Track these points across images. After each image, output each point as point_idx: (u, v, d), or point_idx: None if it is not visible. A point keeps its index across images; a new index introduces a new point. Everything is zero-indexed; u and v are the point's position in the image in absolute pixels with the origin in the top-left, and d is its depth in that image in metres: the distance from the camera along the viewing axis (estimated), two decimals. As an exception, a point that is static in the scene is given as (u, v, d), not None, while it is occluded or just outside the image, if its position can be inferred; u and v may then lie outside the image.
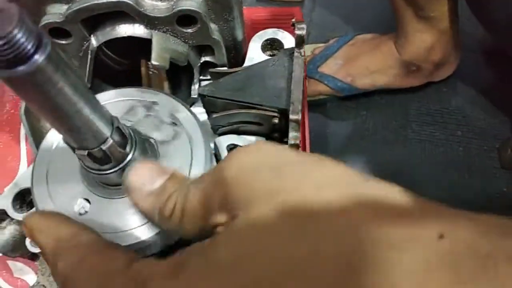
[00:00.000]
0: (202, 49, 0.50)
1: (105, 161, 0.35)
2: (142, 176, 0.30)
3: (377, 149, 1.15)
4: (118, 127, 0.35)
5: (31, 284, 0.61)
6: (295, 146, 0.41)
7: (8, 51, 0.24)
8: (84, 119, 0.31)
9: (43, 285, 0.47)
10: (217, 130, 0.47)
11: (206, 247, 0.24)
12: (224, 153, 0.46)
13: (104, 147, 0.34)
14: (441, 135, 1.15)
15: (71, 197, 0.39)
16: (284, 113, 0.43)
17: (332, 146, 1.15)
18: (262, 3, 1.27)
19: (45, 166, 0.41)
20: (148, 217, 0.32)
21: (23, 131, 0.67)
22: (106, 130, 0.34)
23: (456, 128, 1.14)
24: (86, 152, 0.34)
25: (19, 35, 0.24)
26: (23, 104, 0.50)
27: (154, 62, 0.44)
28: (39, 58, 0.25)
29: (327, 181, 0.23)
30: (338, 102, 1.18)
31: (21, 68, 0.25)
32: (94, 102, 0.32)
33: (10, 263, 0.61)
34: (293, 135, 0.40)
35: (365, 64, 1.12)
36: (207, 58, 0.51)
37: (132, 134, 0.37)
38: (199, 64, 0.51)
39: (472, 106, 1.16)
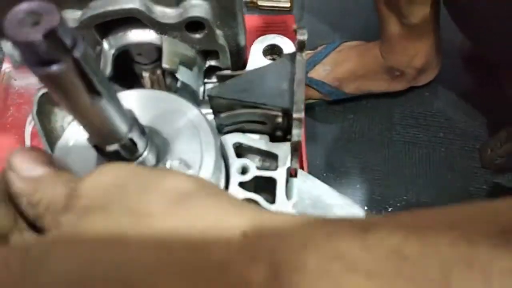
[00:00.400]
0: (208, 54, 0.53)
1: (120, 157, 0.38)
2: (26, 159, 0.30)
3: (363, 151, 1.19)
4: (136, 128, 0.38)
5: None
6: (298, 143, 0.45)
7: (47, 49, 0.26)
8: (105, 116, 0.34)
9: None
10: (222, 129, 0.50)
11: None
12: (230, 150, 0.49)
13: (119, 144, 0.37)
14: (424, 137, 1.20)
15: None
16: (287, 113, 0.46)
17: (320, 148, 1.19)
18: (251, 11, 1.31)
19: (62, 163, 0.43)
20: (16, 199, 0.30)
21: (27, 133, 0.69)
22: (123, 128, 0.36)
23: (439, 130, 1.19)
24: (103, 147, 0.37)
25: (58, 35, 0.26)
26: (35, 106, 0.52)
27: (165, 65, 0.47)
28: (75, 56, 0.28)
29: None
30: (326, 106, 1.23)
31: (58, 66, 0.28)
32: (117, 102, 0.35)
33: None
34: (296, 132, 0.43)
35: (351, 69, 1.16)
36: (212, 63, 0.54)
37: (149, 135, 0.40)
38: (204, 68, 0.54)
39: (453, 109, 1.21)
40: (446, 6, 0.96)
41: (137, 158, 0.39)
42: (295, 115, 0.44)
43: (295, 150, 0.45)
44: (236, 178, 0.47)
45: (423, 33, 1.04)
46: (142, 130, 0.39)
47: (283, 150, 0.49)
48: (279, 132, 0.49)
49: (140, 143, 0.39)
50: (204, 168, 0.43)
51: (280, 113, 0.46)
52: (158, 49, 0.50)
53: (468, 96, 1.21)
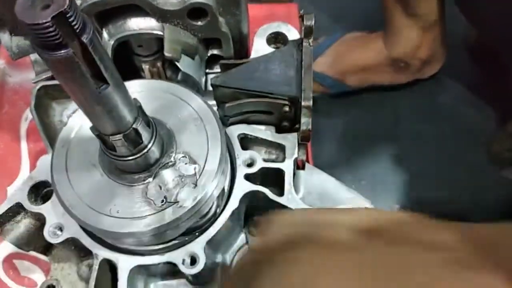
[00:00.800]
0: (210, 43, 0.52)
1: (126, 147, 0.36)
2: None
3: (368, 147, 1.17)
4: (141, 119, 0.36)
5: (38, 282, 0.61)
6: (307, 132, 0.43)
7: (56, 32, 0.25)
8: (110, 105, 0.32)
9: (56, 279, 0.47)
10: (227, 121, 0.48)
11: None
12: (235, 142, 0.47)
13: (123, 134, 0.35)
14: (430, 131, 1.17)
15: (90, 182, 0.40)
16: (294, 101, 0.44)
17: (323, 144, 1.17)
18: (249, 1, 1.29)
19: (64, 155, 0.42)
20: None
21: (23, 131, 0.67)
22: (129, 118, 0.35)
23: (445, 124, 1.17)
24: (107, 137, 0.35)
25: (67, 18, 0.25)
26: (33, 99, 0.50)
27: (166, 53, 0.45)
28: (84, 40, 0.26)
29: None
30: (329, 99, 1.20)
31: (66, 50, 0.26)
32: (124, 91, 0.33)
33: (17, 262, 0.60)
34: (305, 121, 0.42)
35: (354, 61, 1.14)
36: (215, 52, 0.52)
37: (154, 126, 0.39)
38: (206, 57, 0.52)
39: (459, 102, 1.19)
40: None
41: (141, 150, 0.37)
42: (304, 103, 0.42)
43: (304, 139, 0.44)
44: (242, 170, 0.46)
45: (428, 23, 1.02)
46: (148, 122, 0.38)
47: (290, 141, 0.47)
48: (285, 122, 0.47)
49: (145, 135, 0.37)
50: (210, 161, 0.41)
51: (287, 102, 0.44)
52: (159, 40, 0.48)
53: (474, 89, 1.19)
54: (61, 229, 0.43)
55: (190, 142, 0.42)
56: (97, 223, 0.38)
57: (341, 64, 1.14)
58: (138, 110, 0.36)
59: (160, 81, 0.45)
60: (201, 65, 0.51)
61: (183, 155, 0.41)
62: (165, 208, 0.39)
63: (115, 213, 0.39)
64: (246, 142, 0.48)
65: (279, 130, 0.48)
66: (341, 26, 1.26)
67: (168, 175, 0.40)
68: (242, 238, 0.50)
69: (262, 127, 0.48)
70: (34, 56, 0.58)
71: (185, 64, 0.47)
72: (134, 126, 0.35)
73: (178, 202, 0.39)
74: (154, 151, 0.39)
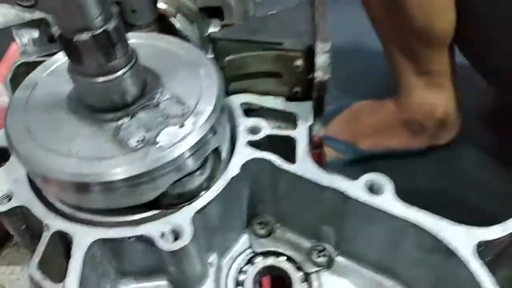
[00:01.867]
0: (211, 18, 0.47)
1: (95, 57, 0.28)
2: None
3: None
4: (117, 25, 0.29)
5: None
6: (325, 81, 0.35)
7: None
8: None
9: (2, 284, 0.36)
10: (227, 87, 0.41)
11: None
12: (238, 111, 0.39)
13: (92, 34, 0.27)
14: (448, 197, 1.08)
15: (51, 121, 0.31)
16: (308, 52, 0.37)
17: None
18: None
19: (28, 93, 0.34)
20: None
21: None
22: (98, 13, 0.27)
23: (462, 190, 1.08)
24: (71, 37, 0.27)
25: None
26: (10, 73, 0.45)
27: (160, 4, 0.40)
28: None
29: None
30: (343, 166, 1.13)
31: None
32: None
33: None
34: (322, 61, 0.34)
35: (367, 124, 1.09)
36: (217, 29, 0.47)
37: (134, 53, 0.32)
38: (207, 32, 0.47)
39: (476, 167, 1.12)
40: (461, 50, 0.93)
41: (114, 70, 0.29)
42: (320, 45, 0.35)
43: (320, 91, 0.36)
44: (245, 137, 0.37)
45: (441, 80, 0.99)
46: (123, 35, 0.30)
47: (303, 108, 0.39)
48: (297, 88, 0.40)
49: (120, 46, 0.30)
50: (203, 102, 0.33)
51: (299, 53, 0.37)
52: (153, 10, 0.44)
53: (491, 154, 1.12)
54: (9, 197, 0.34)
55: (180, 85, 0.34)
56: (49, 163, 0.29)
57: (354, 127, 1.09)
58: (115, 14, 0.29)
59: (149, 33, 0.39)
60: (199, 41, 0.46)
61: (169, 96, 0.33)
62: (139, 149, 0.30)
63: (74, 153, 0.30)
64: (250, 115, 0.40)
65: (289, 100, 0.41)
66: (351, 95, 1.24)
67: (149, 115, 0.32)
68: (244, 241, 0.39)
69: (270, 97, 0.41)
70: (23, 48, 0.54)
71: (181, 22, 0.41)
72: (105, 27, 0.28)
73: (157, 143, 0.30)
74: (129, 81, 0.31)
